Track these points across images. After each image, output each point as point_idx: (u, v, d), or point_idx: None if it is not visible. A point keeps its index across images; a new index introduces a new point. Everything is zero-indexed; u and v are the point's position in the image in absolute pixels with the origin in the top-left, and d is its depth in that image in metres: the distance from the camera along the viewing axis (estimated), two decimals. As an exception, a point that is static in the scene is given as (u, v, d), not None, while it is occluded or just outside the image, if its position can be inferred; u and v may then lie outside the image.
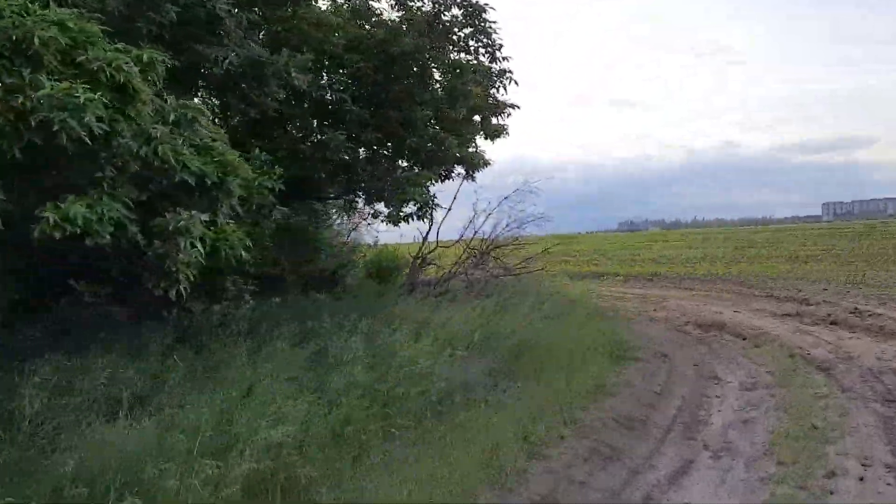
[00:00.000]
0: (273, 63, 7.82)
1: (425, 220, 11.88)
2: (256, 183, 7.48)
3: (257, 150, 7.89)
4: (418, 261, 13.87)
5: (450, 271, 13.35)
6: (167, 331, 6.70)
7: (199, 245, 5.42)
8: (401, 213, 12.37)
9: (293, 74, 7.89)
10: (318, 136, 9.47)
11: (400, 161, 11.46)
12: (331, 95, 9.38)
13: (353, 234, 19.79)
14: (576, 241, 75.95)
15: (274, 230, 11.97)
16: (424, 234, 15.24)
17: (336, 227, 19.72)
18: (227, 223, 6.15)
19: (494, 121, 15.97)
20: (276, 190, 8.02)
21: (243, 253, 6.27)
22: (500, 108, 12.42)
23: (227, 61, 7.38)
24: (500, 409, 6.52)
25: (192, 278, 5.42)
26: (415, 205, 10.29)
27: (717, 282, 20.74)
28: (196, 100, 9.38)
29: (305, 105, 9.27)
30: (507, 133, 16.49)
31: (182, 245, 5.29)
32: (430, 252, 14.45)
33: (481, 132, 16.63)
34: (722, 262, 28.02)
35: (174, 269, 5.34)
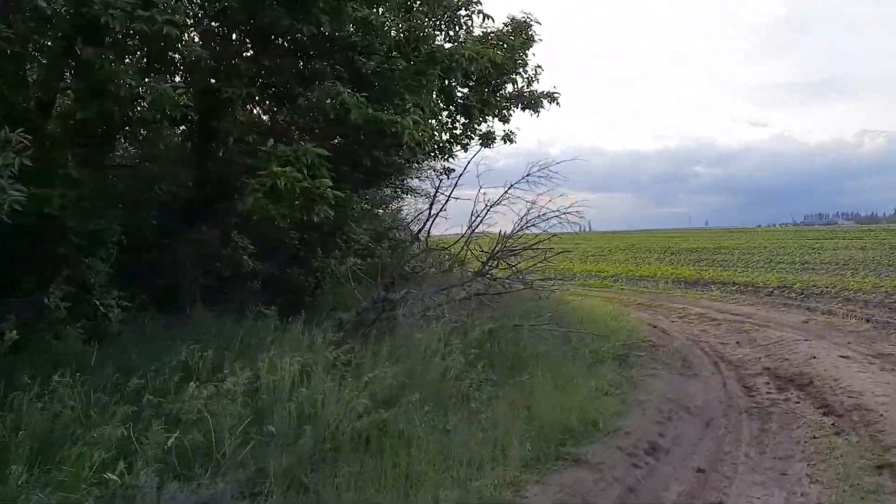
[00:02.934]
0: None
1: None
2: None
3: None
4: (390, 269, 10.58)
5: (386, 287, 9.75)
6: None
7: None
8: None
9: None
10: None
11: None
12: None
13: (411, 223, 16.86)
14: (739, 235, 68.15)
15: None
16: (415, 233, 12.15)
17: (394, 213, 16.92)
18: None
19: (520, 84, 12.54)
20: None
21: None
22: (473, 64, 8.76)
23: None
24: None
25: None
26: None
27: (858, 302, 15.43)
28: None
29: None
30: (555, 101, 13.07)
31: None
32: (413, 256, 11.18)
33: (512, 102, 13.26)
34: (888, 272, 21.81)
35: None
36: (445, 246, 11.55)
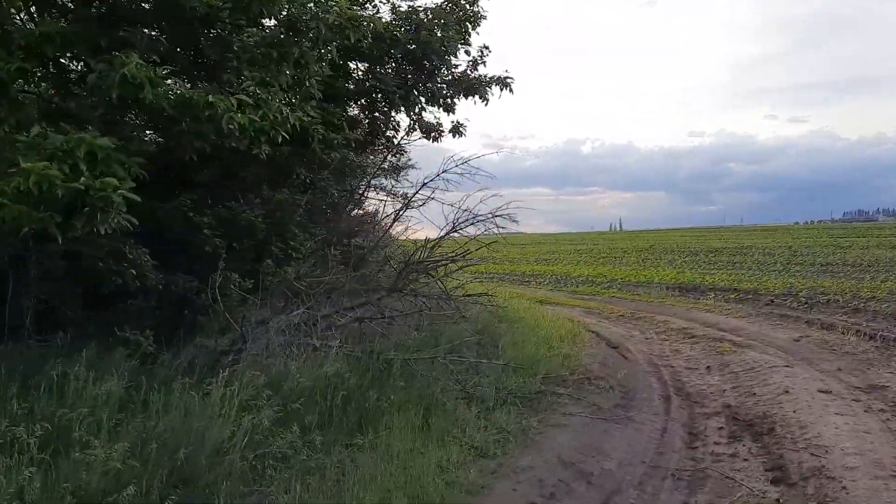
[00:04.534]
0: None
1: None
2: None
3: None
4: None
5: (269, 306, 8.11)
6: None
7: None
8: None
9: None
10: None
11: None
12: None
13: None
14: (769, 233, 65.29)
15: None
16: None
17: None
18: None
19: (462, 67, 10.92)
20: None
21: None
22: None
23: None
24: None
25: None
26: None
27: (867, 313, 13.29)
28: None
29: None
30: (507, 88, 11.49)
31: None
32: (312, 268, 9.50)
33: (453, 88, 11.64)
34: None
35: None
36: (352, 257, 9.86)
